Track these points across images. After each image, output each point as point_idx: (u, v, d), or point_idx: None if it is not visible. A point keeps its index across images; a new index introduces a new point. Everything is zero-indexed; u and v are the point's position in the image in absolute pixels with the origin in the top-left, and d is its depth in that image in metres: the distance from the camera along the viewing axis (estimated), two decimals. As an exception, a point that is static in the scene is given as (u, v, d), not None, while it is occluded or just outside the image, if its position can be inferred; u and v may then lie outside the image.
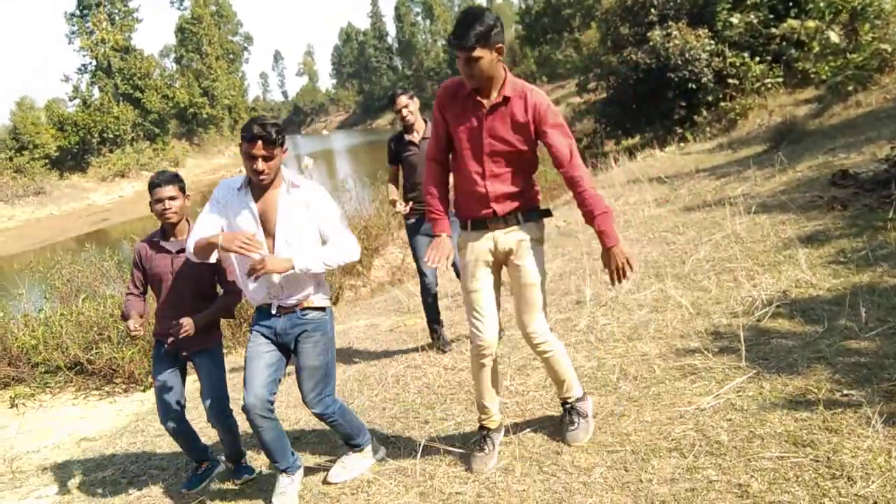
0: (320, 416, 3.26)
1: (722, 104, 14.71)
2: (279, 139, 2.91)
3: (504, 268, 3.13)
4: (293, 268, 2.92)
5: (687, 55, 15.03)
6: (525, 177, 3.02)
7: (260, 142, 2.86)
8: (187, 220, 3.55)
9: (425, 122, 4.81)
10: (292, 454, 3.27)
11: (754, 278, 4.88)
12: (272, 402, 3.08)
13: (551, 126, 2.89)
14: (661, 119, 16.03)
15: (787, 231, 5.80)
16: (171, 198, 3.41)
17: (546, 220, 3.16)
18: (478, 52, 2.74)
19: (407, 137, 4.80)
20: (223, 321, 4.55)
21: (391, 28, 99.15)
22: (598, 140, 18.53)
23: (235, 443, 3.65)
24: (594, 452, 3.04)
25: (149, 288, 3.66)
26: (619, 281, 2.98)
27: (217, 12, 65.93)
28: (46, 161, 41.06)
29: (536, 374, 4.07)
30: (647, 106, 16.29)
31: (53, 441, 5.55)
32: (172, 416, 3.53)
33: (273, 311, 3.11)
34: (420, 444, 3.40)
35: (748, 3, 15.15)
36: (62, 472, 4.46)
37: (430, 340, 5.18)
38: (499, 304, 3.16)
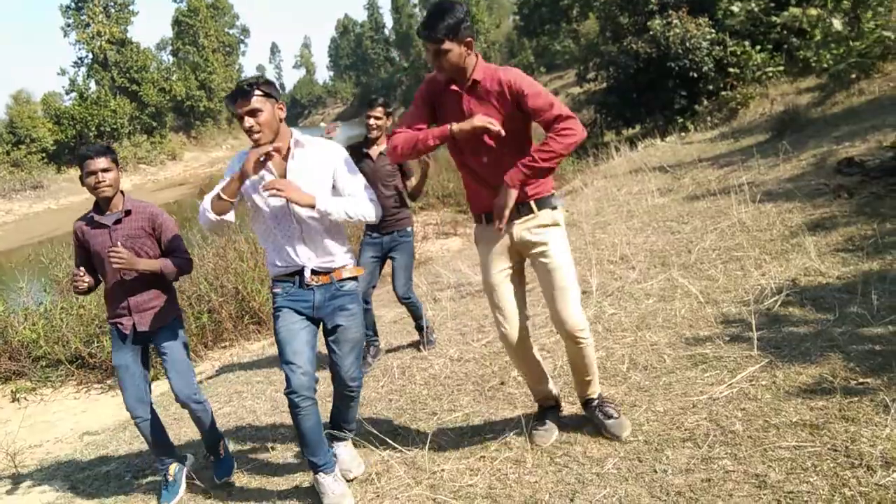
0: (351, 389, 3.15)
1: (723, 93, 14.60)
2: (258, 90, 2.85)
3: (526, 262, 3.05)
4: (314, 205, 2.86)
5: (687, 44, 14.91)
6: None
7: (239, 98, 2.82)
8: (122, 193, 3.39)
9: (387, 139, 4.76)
10: (328, 449, 3.12)
11: (762, 267, 4.83)
12: (316, 382, 3.00)
13: (529, 92, 2.78)
14: (661, 108, 15.92)
15: (794, 219, 5.75)
16: (105, 170, 3.25)
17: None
18: (446, 45, 2.74)
19: (365, 150, 4.73)
20: (221, 327, 4.37)
21: (388, 20, 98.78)
22: (599, 130, 18.43)
23: (212, 425, 3.56)
24: (606, 443, 2.99)
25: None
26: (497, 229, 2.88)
27: (213, 5, 65.54)
28: (43, 155, 40.91)
29: (545, 365, 4.02)
30: (648, 95, 16.17)
31: (56, 435, 5.52)
32: (138, 400, 3.37)
33: (307, 279, 2.98)
34: (429, 436, 3.35)
35: (749, -10, 15.03)
36: (65, 466, 4.42)
37: (436, 334, 5.14)
38: (523, 301, 3.07)
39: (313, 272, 3.00)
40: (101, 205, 3.35)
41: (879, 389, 2.89)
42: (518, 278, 3.05)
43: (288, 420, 4.19)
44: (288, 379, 2.90)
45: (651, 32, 15.71)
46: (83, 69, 50.96)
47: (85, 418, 5.90)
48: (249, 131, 2.85)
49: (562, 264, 2.91)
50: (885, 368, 3.07)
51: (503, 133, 2.76)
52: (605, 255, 6.06)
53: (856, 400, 2.86)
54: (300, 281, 3.01)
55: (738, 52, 14.55)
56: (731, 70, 14.65)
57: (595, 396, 3.17)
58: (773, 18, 14.21)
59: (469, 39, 2.77)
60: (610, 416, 3.08)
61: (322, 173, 2.99)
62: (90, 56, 51.01)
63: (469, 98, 2.87)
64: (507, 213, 2.81)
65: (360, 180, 3.07)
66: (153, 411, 3.47)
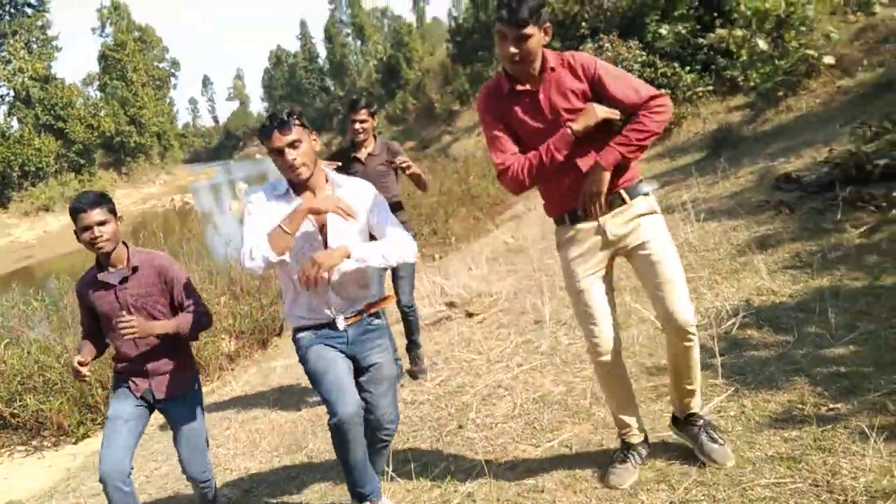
0: (388, 432, 2.91)
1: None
2: (296, 120, 2.63)
3: (617, 259, 2.75)
4: (349, 256, 2.61)
5: (620, 66, 15.20)
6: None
7: (276, 132, 2.61)
8: (125, 244, 3.05)
9: (375, 138, 4.61)
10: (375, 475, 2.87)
11: (714, 287, 4.78)
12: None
13: (607, 77, 2.57)
14: (597, 131, 16.17)
15: (740, 237, 5.76)
16: (101, 223, 2.89)
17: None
18: (529, 30, 2.46)
19: (353, 154, 4.55)
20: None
21: (321, 50, 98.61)
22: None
23: (213, 493, 3.24)
24: (578, 490, 2.81)
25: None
26: (584, 213, 2.62)
27: (141, 38, 64.26)
28: (-37, 197, 39.02)
29: (504, 404, 3.84)
30: (584, 118, 16.39)
31: (-27, 507, 5.04)
32: (117, 466, 2.85)
33: (340, 327, 2.78)
34: (383, 495, 3.11)
35: (676, 14, 15.45)
36: (-17, 545, 4.00)
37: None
38: (614, 308, 2.74)
39: (345, 318, 2.79)
40: (102, 261, 3.02)
41: (852, 416, 2.79)
42: (608, 281, 2.74)
43: (229, 482, 3.89)
44: (333, 407, 2.61)
45: (584, 56, 15.96)
46: (4, 107, 49.05)
47: (8, 485, 5.42)
48: (292, 167, 2.63)
49: (668, 255, 2.63)
50: (853, 392, 2.99)
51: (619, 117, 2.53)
52: (556, 281, 5.94)
53: (829, 428, 2.75)
54: (329, 326, 2.79)
55: (669, 74, 14.87)
56: (662, 91, 14.97)
57: (698, 411, 2.83)
58: (700, 40, 14.62)
59: (548, 26, 2.53)
60: (716, 441, 2.75)
61: (359, 215, 2.76)
62: (12, 93, 49.14)
63: (545, 94, 2.60)
64: (602, 199, 2.55)
65: (396, 220, 2.85)
66: (130, 480, 2.93)
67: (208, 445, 3.20)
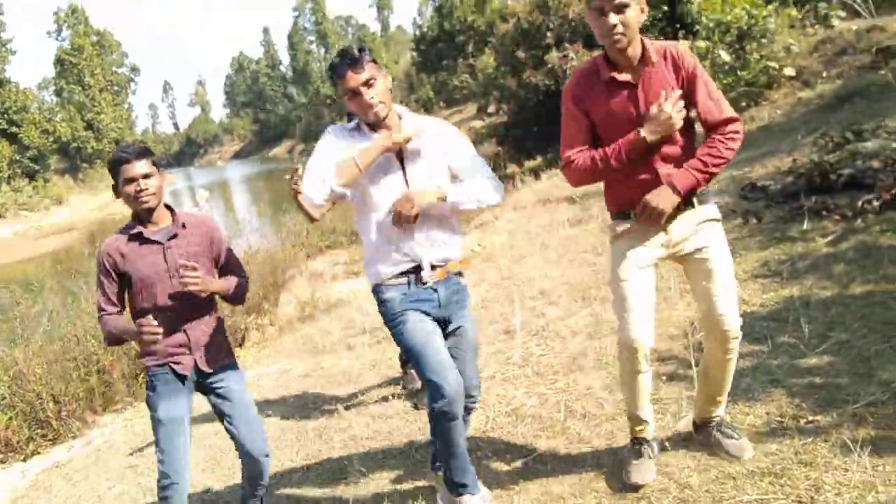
0: (474, 400, 2.79)
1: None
2: (368, 56, 2.51)
3: (674, 263, 2.77)
4: (444, 198, 2.52)
5: (584, 75, 15.30)
6: (691, 149, 2.58)
7: (349, 71, 2.48)
8: (167, 207, 2.81)
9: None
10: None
11: (685, 296, 4.74)
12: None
13: (703, 80, 2.53)
14: (562, 139, 16.24)
15: (708, 246, 5.74)
16: (146, 175, 2.68)
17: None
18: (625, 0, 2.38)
19: None
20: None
21: (284, 57, 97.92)
22: (502, 162, 18.57)
23: (266, 482, 3.00)
24: (554, 508, 2.71)
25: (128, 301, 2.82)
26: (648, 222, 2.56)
27: (99, 42, 62.98)
28: (-90, 204, 37.68)
29: (476, 418, 3.73)
30: (550, 127, 16.43)
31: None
32: (183, 467, 2.70)
33: (425, 275, 2.61)
34: (353, 511, 2.99)
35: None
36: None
37: (354, 387, 4.75)
38: (653, 304, 2.70)
39: (431, 267, 2.62)
40: (144, 218, 2.76)
41: (832, 428, 2.75)
42: (652, 280, 2.69)
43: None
44: (438, 389, 2.45)
45: (549, 66, 16.02)
46: (-45, 111, 47.57)
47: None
48: (370, 106, 2.51)
49: (725, 263, 2.63)
50: (831, 404, 2.94)
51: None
52: (525, 290, 5.87)
53: (810, 441, 2.70)
54: (415, 279, 2.61)
55: (633, 83, 15.04)
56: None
57: (717, 416, 2.86)
58: (664, 51, 14.83)
59: (643, 5, 2.46)
60: (731, 437, 2.77)
61: (439, 156, 2.64)
62: (-38, 97, 47.70)
63: (644, 87, 2.51)
64: (663, 219, 2.51)
65: (479, 158, 2.72)
66: (187, 480, 2.79)
67: (261, 420, 2.96)
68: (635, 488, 2.68)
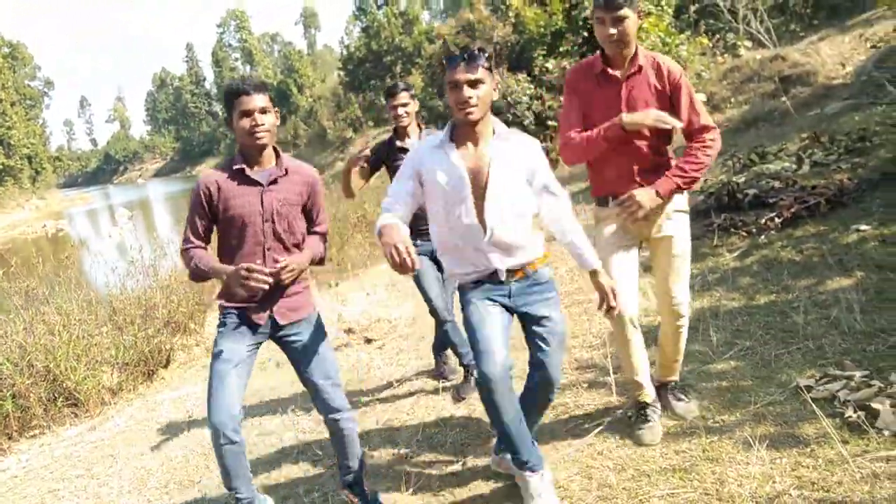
0: (553, 392, 2.81)
1: (542, 145, 15.49)
2: (485, 61, 2.49)
3: (643, 243, 3.11)
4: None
5: (509, 98, 15.69)
6: (665, 148, 3.01)
7: (462, 64, 2.48)
8: (275, 149, 2.74)
9: (419, 128, 4.23)
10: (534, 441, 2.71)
11: (605, 310, 4.97)
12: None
13: (686, 90, 2.91)
14: (489, 159, 16.57)
15: (627, 262, 6.02)
16: (263, 110, 2.62)
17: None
18: (625, 12, 2.78)
19: (398, 143, 4.15)
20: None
21: (209, 73, 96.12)
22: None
23: (358, 450, 2.87)
24: (482, 509, 2.83)
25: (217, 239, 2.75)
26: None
27: (11, 55, 60.40)
28: None
29: (406, 429, 3.82)
30: (476, 147, 16.77)
31: None
32: (229, 415, 2.55)
33: (502, 278, 2.65)
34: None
35: (561, 49, 16.16)
36: None
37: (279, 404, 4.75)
38: (636, 279, 3.04)
39: (508, 272, 2.65)
40: (250, 155, 2.69)
41: (736, 427, 2.98)
42: (635, 258, 3.05)
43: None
44: (480, 364, 2.50)
45: (475, 87, 16.37)
46: None
47: None
48: (466, 103, 2.49)
49: (686, 251, 3.03)
50: (735, 404, 3.18)
51: (681, 126, 2.80)
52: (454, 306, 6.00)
53: (716, 439, 2.92)
54: (485, 279, 2.67)
55: (556, 106, 15.50)
56: (549, 123, 15.56)
57: (674, 379, 3.27)
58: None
59: (640, 10, 2.81)
60: (681, 399, 3.22)
61: (520, 173, 2.65)
62: None
63: (629, 85, 2.91)
64: (640, 215, 2.86)
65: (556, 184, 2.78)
66: (240, 429, 2.61)
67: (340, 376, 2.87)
68: (556, 485, 2.83)
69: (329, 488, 3.33)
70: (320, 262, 2.88)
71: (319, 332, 2.82)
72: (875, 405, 2.82)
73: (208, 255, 2.69)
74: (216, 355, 2.66)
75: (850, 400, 2.92)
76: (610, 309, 2.71)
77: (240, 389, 2.63)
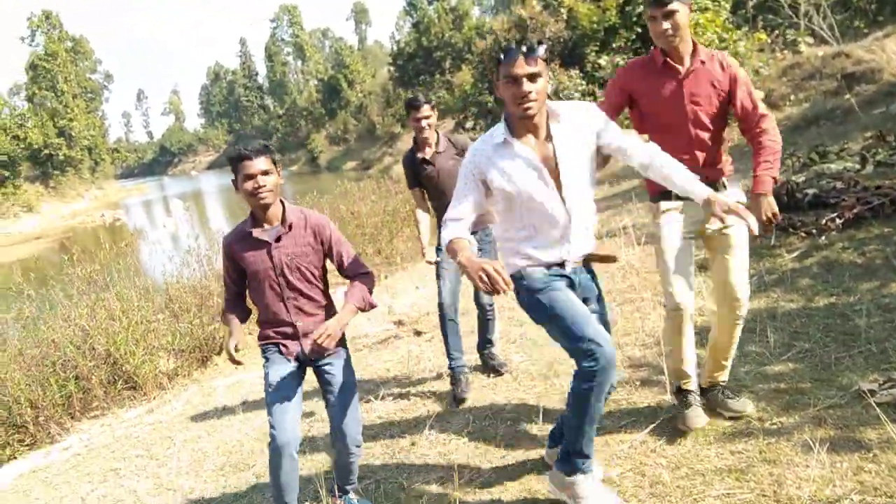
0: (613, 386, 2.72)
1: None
2: (542, 53, 2.44)
3: (701, 239, 3.11)
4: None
5: (561, 95, 15.59)
6: (722, 142, 3.06)
7: (521, 57, 2.41)
8: (282, 202, 2.90)
9: (437, 135, 4.33)
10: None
11: (658, 308, 4.92)
12: None
13: (743, 81, 2.97)
14: (538, 156, 16.50)
15: (680, 260, 5.94)
16: (265, 172, 2.77)
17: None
18: (675, 5, 2.84)
19: (419, 156, 4.29)
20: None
21: (261, 67, 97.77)
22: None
23: (356, 468, 3.05)
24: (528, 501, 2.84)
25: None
26: (764, 231, 2.92)
27: (73, 48, 62.39)
28: None
29: (457, 421, 3.85)
30: (525, 143, 16.71)
31: None
32: (292, 433, 2.74)
33: (568, 269, 2.64)
34: None
35: (614, 46, 15.99)
36: None
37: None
38: (693, 271, 3.05)
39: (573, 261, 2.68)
40: (259, 215, 2.88)
41: (794, 429, 2.92)
42: (692, 252, 3.05)
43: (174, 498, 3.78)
44: (589, 348, 2.38)
45: (526, 83, 16.31)
46: (-78, 115, 46.76)
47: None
48: (524, 98, 2.43)
49: (745, 243, 3.04)
50: (793, 407, 3.12)
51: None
52: (503, 301, 6.00)
53: (774, 441, 2.87)
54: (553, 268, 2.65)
55: (608, 102, 15.37)
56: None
57: (725, 380, 3.25)
58: (638, 71, 15.18)
59: (692, 4, 2.87)
60: (731, 398, 3.20)
61: (585, 146, 2.61)
62: (-69, 101, 46.92)
63: (690, 80, 2.96)
64: (779, 217, 2.94)
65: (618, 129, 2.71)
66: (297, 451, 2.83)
67: (359, 408, 3.00)
68: (608, 482, 2.82)
69: (381, 476, 3.39)
70: (368, 307, 2.98)
71: (347, 365, 2.99)
72: (942, 411, 2.74)
73: (232, 318, 2.98)
74: (267, 384, 2.86)
75: (916, 405, 2.84)
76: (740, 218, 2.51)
77: (295, 411, 2.81)
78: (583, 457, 2.59)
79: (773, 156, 2.95)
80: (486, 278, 2.22)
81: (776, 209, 2.93)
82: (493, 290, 2.22)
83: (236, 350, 2.85)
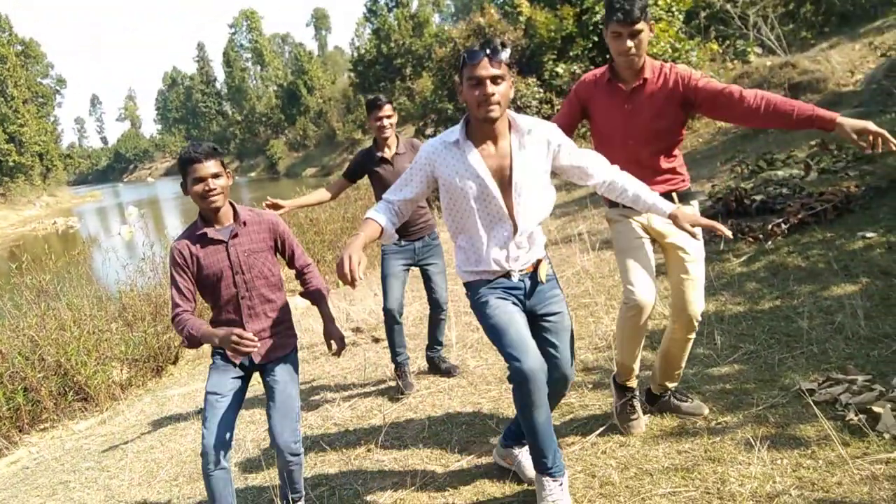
0: (567, 386, 2.83)
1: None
2: (506, 56, 2.43)
3: (655, 245, 3.11)
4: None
5: (519, 102, 15.73)
6: (673, 157, 3.05)
7: (485, 59, 2.40)
8: (231, 204, 2.90)
9: (397, 137, 4.42)
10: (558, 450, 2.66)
11: (611, 312, 5.01)
12: None
13: (700, 79, 2.91)
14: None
15: (633, 265, 6.06)
16: (215, 175, 2.76)
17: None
18: (641, 25, 2.81)
19: (378, 154, 4.37)
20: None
21: (219, 73, 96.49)
22: (439, 183, 18.86)
23: (300, 478, 2.98)
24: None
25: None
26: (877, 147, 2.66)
27: (23, 52, 60.81)
28: None
29: (412, 426, 3.87)
30: (484, 150, 16.80)
31: None
32: (219, 442, 2.74)
33: (514, 279, 2.66)
34: None
35: (571, 54, 16.20)
36: None
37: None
38: (653, 270, 3.00)
39: (520, 271, 2.68)
40: (209, 217, 2.85)
41: (738, 428, 3.02)
42: (651, 251, 3.04)
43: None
44: (517, 364, 2.43)
45: (485, 90, 16.41)
46: None
47: None
48: (487, 101, 2.42)
49: (699, 257, 3.01)
50: (738, 406, 3.22)
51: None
52: (460, 306, 6.05)
53: (718, 440, 2.96)
54: (501, 278, 2.67)
55: (566, 110, 15.56)
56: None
57: (673, 387, 3.28)
58: (595, 79, 15.40)
59: (652, 22, 2.87)
60: (685, 401, 3.28)
61: (543, 160, 2.63)
62: None
63: (633, 101, 2.97)
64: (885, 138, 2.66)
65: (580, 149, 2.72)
66: (228, 459, 2.81)
67: (299, 418, 2.95)
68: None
69: (336, 483, 3.39)
70: (324, 295, 3.11)
71: (291, 372, 2.96)
72: (876, 409, 2.86)
73: (199, 321, 2.80)
74: (207, 390, 2.86)
75: (852, 403, 2.96)
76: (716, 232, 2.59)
77: (228, 419, 2.80)
78: (547, 469, 2.62)
79: (789, 102, 2.80)
80: (344, 265, 2.29)
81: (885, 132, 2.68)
82: (342, 277, 2.29)
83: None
